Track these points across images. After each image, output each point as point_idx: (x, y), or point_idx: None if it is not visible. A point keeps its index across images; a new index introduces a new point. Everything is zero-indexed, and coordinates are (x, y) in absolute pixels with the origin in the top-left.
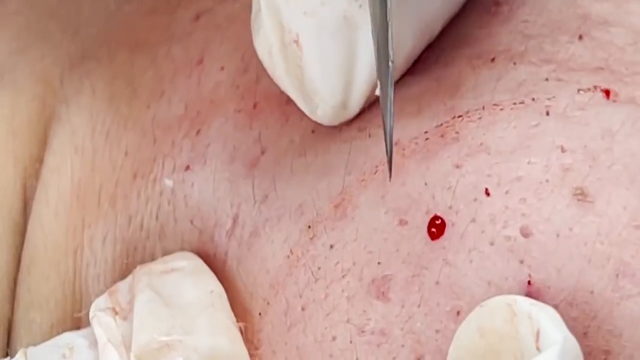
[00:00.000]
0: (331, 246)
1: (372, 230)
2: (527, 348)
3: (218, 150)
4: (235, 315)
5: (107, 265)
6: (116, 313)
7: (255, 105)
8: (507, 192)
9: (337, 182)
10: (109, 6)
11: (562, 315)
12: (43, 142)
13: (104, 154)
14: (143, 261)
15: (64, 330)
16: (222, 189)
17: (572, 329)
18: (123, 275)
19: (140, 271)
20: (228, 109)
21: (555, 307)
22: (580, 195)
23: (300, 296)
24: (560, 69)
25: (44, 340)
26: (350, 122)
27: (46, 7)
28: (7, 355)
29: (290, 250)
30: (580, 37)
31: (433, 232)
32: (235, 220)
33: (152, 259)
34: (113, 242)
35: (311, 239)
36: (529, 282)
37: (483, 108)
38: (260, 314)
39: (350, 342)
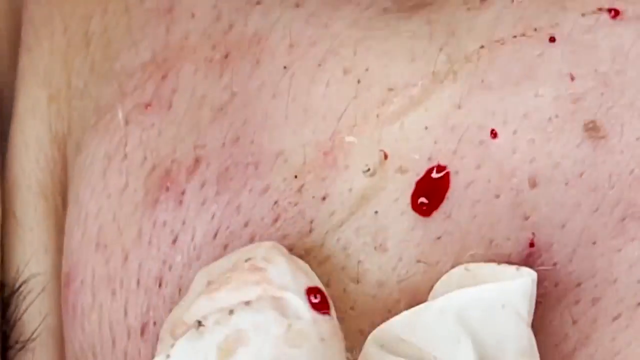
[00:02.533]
0: (323, 198)
1: (367, 179)
2: None
3: (185, 97)
4: None
5: None
6: None
7: (227, 55)
8: (514, 133)
9: (324, 128)
10: None
11: (559, 271)
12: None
13: (78, 104)
14: None
15: None
16: (185, 132)
17: (565, 282)
18: None
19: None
20: (198, 58)
21: (554, 265)
22: (592, 130)
23: (292, 249)
24: None
25: None
26: (328, 62)
27: None
28: None
29: (276, 202)
30: None
31: (434, 179)
32: (198, 160)
33: None
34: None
35: (299, 190)
36: (531, 244)
37: (482, 47)
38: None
39: (344, 290)
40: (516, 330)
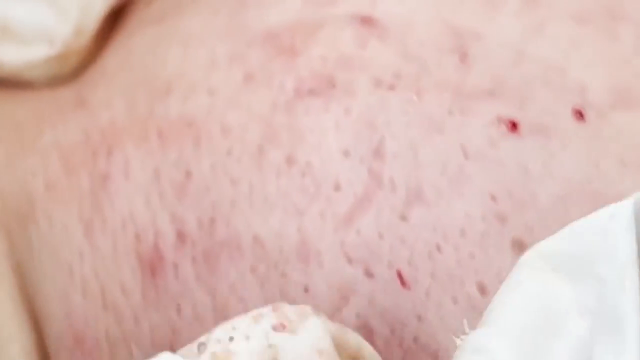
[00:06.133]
0: (306, 290)
1: (340, 277)
2: None
3: (138, 168)
4: None
5: None
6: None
7: (160, 135)
8: (456, 249)
9: (289, 222)
10: None
11: None
12: None
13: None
14: None
15: None
16: (156, 203)
17: None
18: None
19: None
20: (134, 137)
21: None
22: (518, 248)
23: None
24: (458, 99)
25: None
26: (268, 149)
27: None
28: None
29: (263, 284)
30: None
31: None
32: (180, 236)
33: None
34: None
35: (282, 276)
36: None
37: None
38: None
39: None
40: None
